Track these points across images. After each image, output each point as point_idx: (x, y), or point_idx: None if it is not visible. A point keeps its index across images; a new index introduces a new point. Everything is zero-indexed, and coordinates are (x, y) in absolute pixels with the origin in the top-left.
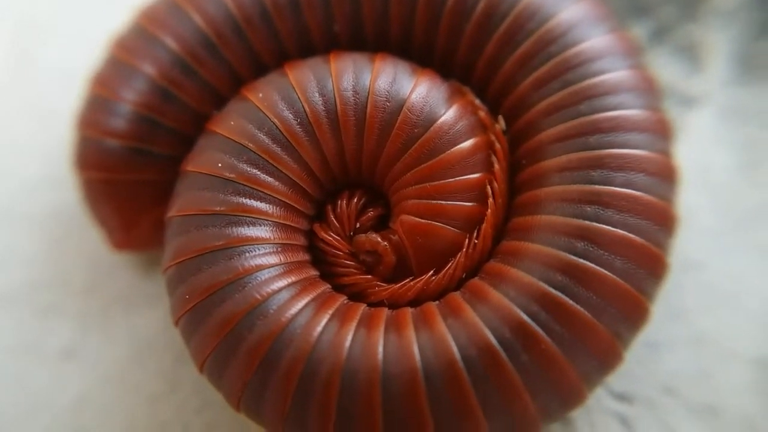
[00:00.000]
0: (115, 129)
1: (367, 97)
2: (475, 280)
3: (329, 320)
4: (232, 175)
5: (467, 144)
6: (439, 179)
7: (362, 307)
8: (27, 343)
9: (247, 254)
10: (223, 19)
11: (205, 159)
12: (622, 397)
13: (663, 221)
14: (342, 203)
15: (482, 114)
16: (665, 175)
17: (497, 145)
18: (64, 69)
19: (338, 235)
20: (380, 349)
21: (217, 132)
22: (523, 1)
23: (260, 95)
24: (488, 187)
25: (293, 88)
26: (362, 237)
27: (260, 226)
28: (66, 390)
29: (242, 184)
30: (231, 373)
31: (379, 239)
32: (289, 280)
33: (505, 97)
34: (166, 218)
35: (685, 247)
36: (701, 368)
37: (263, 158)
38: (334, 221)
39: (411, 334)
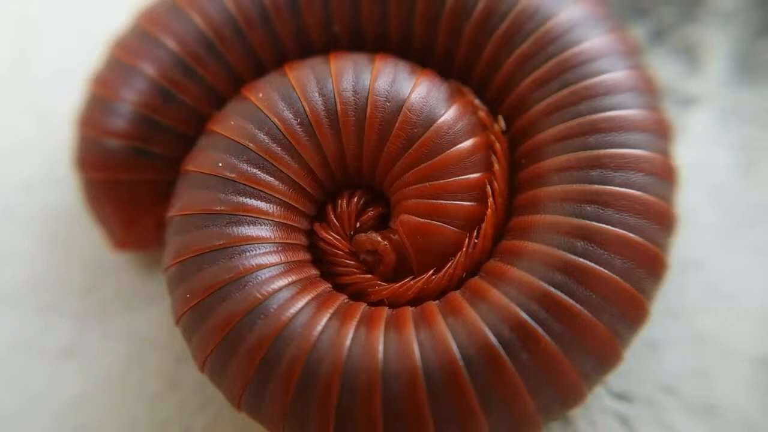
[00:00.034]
0: (115, 129)
1: (367, 97)
2: (475, 280)
3: (329, 319)
4: (232, 175)
5: (467, 144)
6: (439, 179)
7: (362, 307)
8: (28, 342)
9: (248, 253)
10: (224, 20)
11: (206, 159)
12: (621, 396)
13: (662, 221)
14: (342, 203)
15: (482, 114)
16: (664, 175)
17: (497, 145)
18: (64, 69)
19: (339, 234)
20: (380, 347)
21: (217, 132)
22: (522, 1)
23: (260, 95)
24: (488, 186)
25: (293, 88)
26: (362, 236)
27: (261, 225)
28: (67, 389)
29: (242, 184)
30: (232, 371)
31: (380, 239)
32: (290, 279)
33: (505, 97)
34: (167, 218)
35: (685, 247)
36: (700, 367)
37: (263, 158)
38: (335, 221)
39: (411, 333)
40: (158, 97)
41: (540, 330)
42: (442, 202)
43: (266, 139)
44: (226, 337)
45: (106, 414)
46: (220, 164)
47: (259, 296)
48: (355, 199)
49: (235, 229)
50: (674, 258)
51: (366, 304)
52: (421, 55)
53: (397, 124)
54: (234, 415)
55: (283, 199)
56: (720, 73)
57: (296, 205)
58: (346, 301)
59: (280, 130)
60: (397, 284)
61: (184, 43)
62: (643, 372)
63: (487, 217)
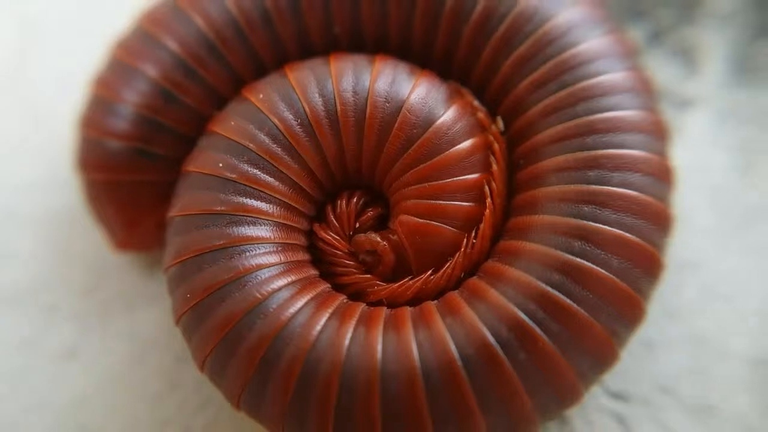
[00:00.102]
0: (117, 130)
1: (367, 98)
2: (474, 280)
3: (329, 319)
4: (232, 176)
5: (466, 144)
6: (437, 179)
7: (361, 306)
8: (29, 342)
9: (248, 253)
10: (225, 22)
11: (206, 159)
12: (618, 396)
13: (659, 221)
14: (342, 203)
15: (481, 115)
16: (661, 176)
17: (495, 146)
18: (64, 71)
19: (338, 234)
20: (379, 347)
21: (218, 132)
22: (520, 4)
23: (261, 96)
24: (486, 187)
25: (293, 88)
26: (362, 237)
27: (260, 225)
28: (68, 389)
29: (243, 184)
30: (231, 371)
31: (379, 239)
32: (289, 279)
33: (504, 98)
34: (168, 218)
35: (682, 247)
36: (697, 367)
37: (264, 158)
38: (334, 221)
39: (410, 332)
40: (160, 99)
41: (537, 329)
42: (440, 202)
43: (266, 140)
44: (225, 336)
45: (106, 414)
46: (221, 165)
47: (259, 296)
48: (355, 200)
49: (235, 229)
50: (671, 259)
51: (365, 304)
52: (420, 57)
53: (396, 125)
54: (234, 415)
55: (283, 199)
56: (717, 75)
57: (296, 206)
58: (345, 301)
59: (280, 131)
60: (396, 284)
61: (186, 45)
62: (639, 372)
63: (485, 218)
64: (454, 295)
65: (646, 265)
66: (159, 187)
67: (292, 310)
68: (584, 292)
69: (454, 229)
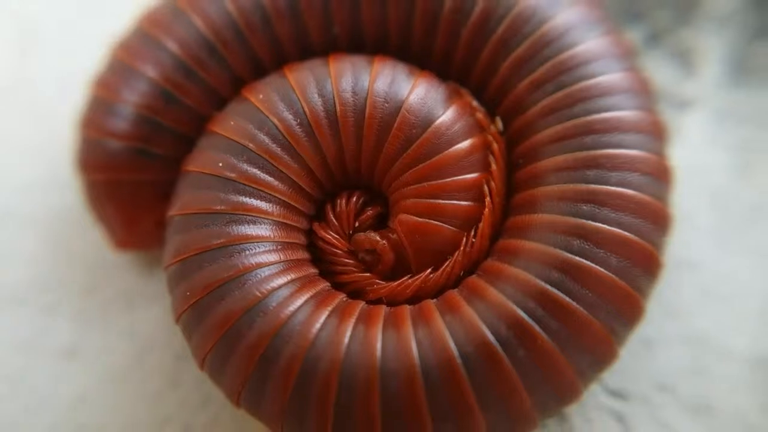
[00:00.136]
0: (117, 130)
1: (366, 98)
2: (473, 278)
3: (328, 317)
4: (232, 175)
5: (465, 144)
6: (437, 179)
7: (361, 305)
8: (29, 342)
9: (247, 252)
10: (225, 23)
11: (206, 159)
12: (617, 394)
13: (657, 220)
14: (341, 202)
15: (480, 115)
16: (659, 175)
17: (494, 146)
18: (65, 71)
19: (337, 233)
20: (378, 345)
21: (217, 132)
22: (518, 5)
23: (260, 96)
24: (486, 186)
25: (293, 89)
26: (361, 236)
27: (260, 224)
28: (68, 389)
29: (242, 184)
30: (231, 369)
31: (378, 238)
32: (289, 278)
33: (502, 98)
34: (168, 217)
35: (681, 247)
36: (696, 366)
37: (263, 158)
38: (334, 220)
39: (409, 330)
40: (160, 99)
41: (537, 327)
42: (440, 201)
43: (266, 140)
44: (225, 334)
45: (107, 413)
46: (221, 164)
47: (259, 294)
48: (354, 199)
49: (234, 228)
50: (670, 258)
51: (364, 303)
52: (419, 58)
53: (395, 125)
54: (234, 414)
55: (283, 198)
56: (715, 76)
57: (295, 205)
58: (344, 299)
59: (279, 131)
60: (396, 283)
61: (186, 46)
62: (638, 370)
63: (484, 217)
64: (454, 294)
65: (645, 264)
66: (159, 186)
67: (292, 308)
68: (583, 291)
69: (454, 228)
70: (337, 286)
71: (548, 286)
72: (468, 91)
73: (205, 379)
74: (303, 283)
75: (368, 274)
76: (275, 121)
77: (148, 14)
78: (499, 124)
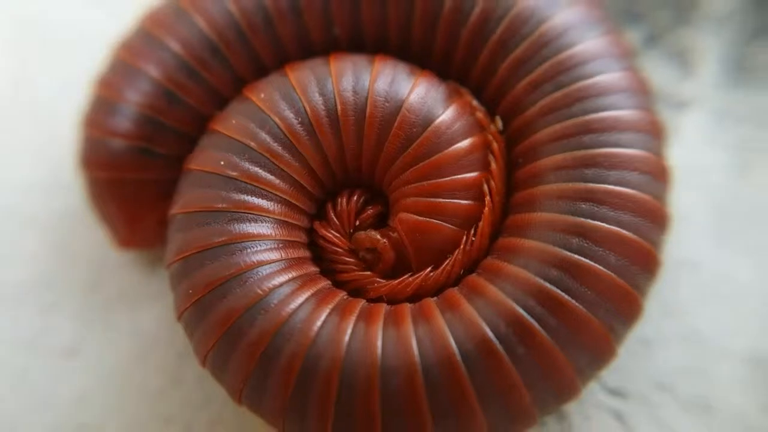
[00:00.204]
0: (120, 130)
1: (367, 97)
2: (473, 276)
3: (329, 315)
4: (234, 173)
5: (465, 143)
6: (437, 177)
7: (361, 303)
8: (31, 340)
9: (249, 250)
10: (227, 24)
11: (208, 157)
12: (615, 392)
13: (656, 218)
14: (342, 201)
15: (479, 114)
16: (657, 174)
17: (494, 145)
18: (65, 72)
19: (338, 232)
20: (379, 342)
21: (219, 131)
22: (517, 6)
23: (262, 95)
24: (485, 185)
25: (294, 88)
26: (362, 234)
27: (261, 222)
28: (70, 387)
29: (244, 182)
30: (233, 366)
31: (379, 236)
32: (290, 276)
33: (502, 98)
34: (169, 215)
35: (680, 246)
36: (694, 364)
37: (265, 156)
38: (335, 219)
39: (409, 328)
40: (163, 99)
41: (536, 325)
42: (440, 200)
43: (267, 138)
44: (227, 332)
45: (108, 412)
46: (222, 163)
47: (260, 292)
48: (355, 198)
49: (236, 226)
50: (669, 257)
51: (365, 301)
52: (419, 58)
53: (396, 124)
54: (236, 412)
55: (284, 197)
56: (713, 76)
57: (296, 203)
58: (345, 297)
59: (281, 130)
60: (396, 281)
61: (189, 46)
62: (637, 369)
63: (484, 215)
64: (454, 292)
65: (643, 262)
66: (161, 185)
67: (293, 306)
68: (582, 288)
69: (454, 227)
70: (338, 285)
71: (547, 284)
72: (468, 91)
73: (207, 377)
74: (304, 281)
75: (369, 273)
76: (276, 119)
77: (150, 14)
78: (499, 123)
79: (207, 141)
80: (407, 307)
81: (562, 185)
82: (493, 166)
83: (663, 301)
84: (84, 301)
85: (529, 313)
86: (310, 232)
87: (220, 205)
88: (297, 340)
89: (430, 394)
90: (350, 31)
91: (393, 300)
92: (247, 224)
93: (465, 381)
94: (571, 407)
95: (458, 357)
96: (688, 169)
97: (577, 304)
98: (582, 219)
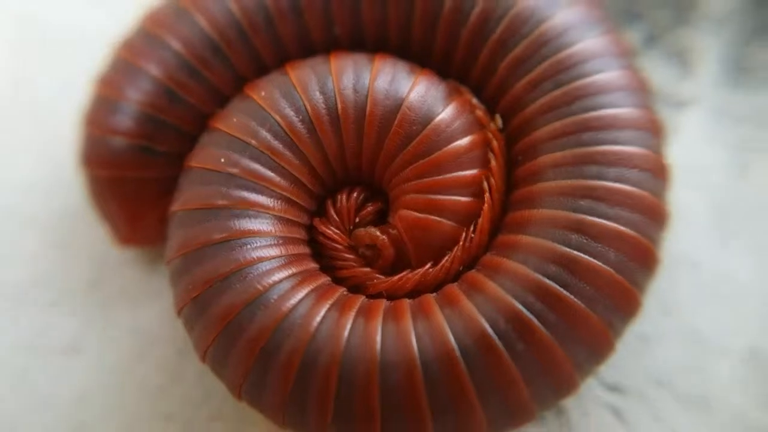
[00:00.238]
0: (121, 128)
1: (367, 96)
2: (472, 273)
3: (328, 310)
4: (234, 170)
5: (464, 141)
6: (436, 175)
7: (361, 298)
8: (31, 338)
9: (248, 246)
10: (228, 23)
11: (208, 155)
12: (614, 388)
13: (654, 216)
14: (342, 198)
15: (479, 112)
16: (656, 172)
17: (494, 142)
18: (65, 71)
19: (338, 229)
20: (378, 338)
21: (220, 129)
22: (517, 6)
23: (262, 93)
24: (485, 183)
25: (294, 86)
26: (362, 231)
27: (261, 219)
28: (71, 385)
29: (244, 179)
30: (232, 362)
31: (378, 233)
32: (290, 272)
33: (501, 97)
34: (170, 212)
35: (679, 244)
36: (692, 361)
37: (265, 154)
38: (334, 216)
39: (409, 323)
40: (164, 98)
41: (535, 320)
42: (439, 197)
43: (268, 136)
44: (226, 327)
45: (109, 410)
46: (223, 160)
47: (260, 288)
48: (355, 195)
49: (236, 222)
50: (668, 255)
51: (364, 297)
52: (419, 57)
53: (396, 122)
54: (236, 408)
55: (284, 194)
56: (712, 76)
57: (297, 200)
58: (345, 293)
59: (281, 127)
60: (396, 277)
61: (190, 45)
62: (635, 365)
63: (483, 212)
64: (453, 288)
65: (642, 259)
66: (162, 183)
67: (293, 301)
68: (581, 284)
69: (453, 224)
70: (338, 281)
71: (546, 280)
72: (468, 89)
73: (207, 374)
74: (304, 277)
75: (368, 269)
76: (277, 117)
77: (151, 13)
78: (499, 121)
79: (208, 139)
80: (407, 303)
81: (562, 182)
82: (493, 163)
83: (662, 299)
84: (84, 299)
85: (528, 309)
86: (310, 228)
87: (220, 202)
88: (297, 336)
89: (430, 390)
90: (351, 31)
91: (392, 296)
92: (248, 221)
93: (464, 376)
94: (570, 403)
95: (457, 353)
96: (688, 168)
97: (575, 299)
98: (581, 215)
